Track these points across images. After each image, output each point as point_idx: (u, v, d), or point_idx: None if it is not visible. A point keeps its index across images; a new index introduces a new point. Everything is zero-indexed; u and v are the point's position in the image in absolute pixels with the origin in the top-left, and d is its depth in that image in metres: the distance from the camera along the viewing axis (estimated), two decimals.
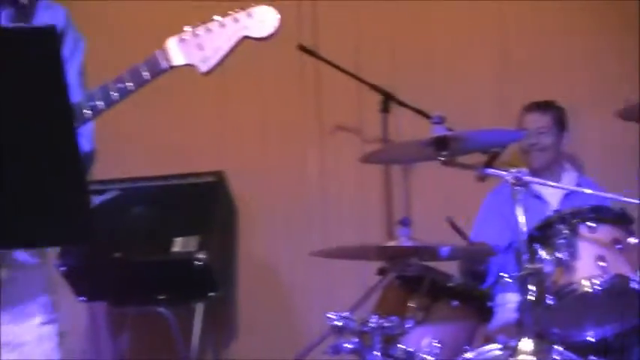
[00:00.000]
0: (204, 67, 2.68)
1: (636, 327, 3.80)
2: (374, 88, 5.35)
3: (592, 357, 3.75)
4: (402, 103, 5.31)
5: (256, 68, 5.55)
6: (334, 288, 5.47)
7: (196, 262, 5.07)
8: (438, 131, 3.79)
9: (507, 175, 3.71)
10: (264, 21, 2.64)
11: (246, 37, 2.67)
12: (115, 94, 2.67)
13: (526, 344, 3.58)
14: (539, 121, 4.88)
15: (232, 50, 2.67)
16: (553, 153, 4.88)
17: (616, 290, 3.71)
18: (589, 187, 4.55)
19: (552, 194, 4.75)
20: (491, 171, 4.00)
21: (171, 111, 5.80)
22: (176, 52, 2.68)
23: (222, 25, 2.66)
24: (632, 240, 3.79)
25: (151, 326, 5.38)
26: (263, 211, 5.73)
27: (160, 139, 5.82)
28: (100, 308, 5.66)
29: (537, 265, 3.67)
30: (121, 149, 5.57)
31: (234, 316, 5.72)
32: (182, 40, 2.68)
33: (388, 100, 5.32)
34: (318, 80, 5.70)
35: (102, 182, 5.26)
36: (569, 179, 4.87)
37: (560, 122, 4.92)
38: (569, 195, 4.71)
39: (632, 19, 5.38)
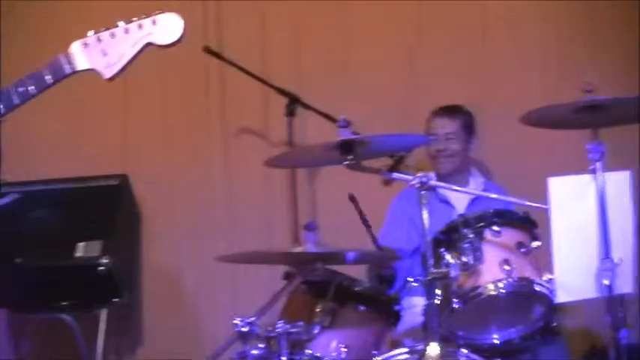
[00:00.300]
0: (107, 73, 2.64)
1: (541, 329, 3.84)
2: (279, 91, 5.33)
3: (498, 359, 3.79)
4: (307, 107, 5.30)
5: (160, 69, 5.49)
6: (240, 293, 5.45)
7: (99, 268, 4.99)
8: (344, 135, 3.77)
9: (413, 180, 3.71)
10: (168, 28, 2.61)
11: (150, 44, 2.63)
12: (16, 97, 2.61)
13: (433, 348, 3.58)
14: (447, 126, 4.89)
15: (136, 57, 2.63)
16: (461, 158, 4.89)
17: (521, 293, 3.77)
18: (496, 193, 4.60)
19: (459, 199, 4.78)
20: (396, 175, 3.99)
21: (74, 113, 5.71)
22: (80, 56, 2.64)
23: (127, 31, 2.63)
24: (536, 243, 3.85)
25: (53, 333, 5.29)
26: (167, 215, 5.68)
27: (61, 141, 5.72)
28: (0, 315, 5.54)
29: (443, 270, 3.69)
30: (22, 152, 5.46)
31: (138, 322, 5.65)
32: (86, 45, 2.63)
33: (293, 103, 5.30)
34: (223, 82, 5.67)
35: (1, 185, 5.14)
36: (476, 184, 4.91)
37: (469, 127, 4.94)
38: (475, 200, 4.74)
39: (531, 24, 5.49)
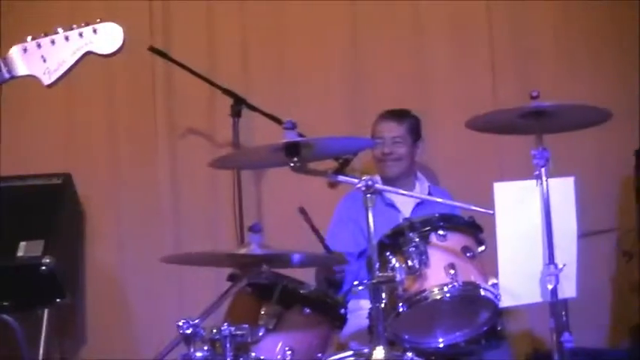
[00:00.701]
0: (46, 80, 2.61)
1: (485, 333, 3.85)
2: (224, 91, 5.29)
3: None
4: (253, 108, 5.27)
5: (106, 68, 5.45)
6: (185, 294, 5.42)
7: (41, 268, 4.92)
8: (289, 137, 3.76)
9: (359, 183, 3.70)
10: (109, 38, 2.59)
11: (90, 53, 2.60)
12: None
13: (378, 351, 3.58)
14: (394, 130, 4.87)
15: (77, 64, 2.59)
16: (407, 162, 4.88)
17: (466, 297, 3.78)
18: (441, 197, 4.61)
19: (405, 203, 4.77)
20: (342, 178, 3.99)
21: (18, 110, 5.62)
22: (19, 62, 2.60)
23: (67, 39, 2.59)
24: (481, 248, 3.87)
25: None
26: (112, 215, 5.64)
27: (2, 139, 5.64)
28: None
29: (389, 273, 3.68)
30: None
31: (81, 322, 5.60)
32: (25, 50, 2.60)
33: (239, 104, 5.27)
34: (169, 82, 5.62)
35: None
36: (421, 188, 4.92)
37: (415, 132, 4.93)
38: (421, 204, 4.75)
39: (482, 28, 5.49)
